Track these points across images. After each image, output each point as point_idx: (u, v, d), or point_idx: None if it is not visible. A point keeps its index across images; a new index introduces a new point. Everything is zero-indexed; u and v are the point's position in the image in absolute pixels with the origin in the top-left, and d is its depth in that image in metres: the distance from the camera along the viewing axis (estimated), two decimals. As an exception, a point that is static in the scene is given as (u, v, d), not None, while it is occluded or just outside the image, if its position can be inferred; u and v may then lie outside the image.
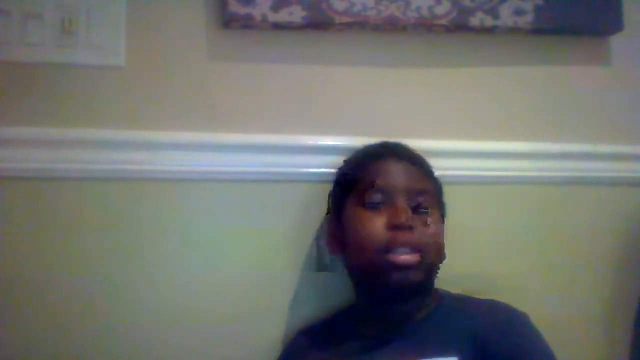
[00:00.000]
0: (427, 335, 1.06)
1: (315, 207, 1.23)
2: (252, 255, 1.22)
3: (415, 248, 1.05)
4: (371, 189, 1.10)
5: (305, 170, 1.23)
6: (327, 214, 1.21)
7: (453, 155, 1.29)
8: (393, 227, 1.06)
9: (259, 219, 1.23)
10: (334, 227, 1.16)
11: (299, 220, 1.24)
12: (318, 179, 1.22)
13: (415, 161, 1.14)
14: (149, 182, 1.20)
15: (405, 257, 1.04)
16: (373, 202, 1.09)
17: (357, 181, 1.13)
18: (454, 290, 1.16)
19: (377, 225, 1.07)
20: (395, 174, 1.10)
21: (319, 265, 1.24)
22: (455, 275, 1.19)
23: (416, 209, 1.09)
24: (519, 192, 1.32)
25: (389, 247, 1.05)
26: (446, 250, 1.12)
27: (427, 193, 1.11)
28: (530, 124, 1.34)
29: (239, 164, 1.22)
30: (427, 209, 1.10)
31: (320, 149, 1.24)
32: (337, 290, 1.22)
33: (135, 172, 1.19)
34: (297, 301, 1.23)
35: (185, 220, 1.21)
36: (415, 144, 1.19)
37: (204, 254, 1.21)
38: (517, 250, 1.31)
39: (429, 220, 1.09)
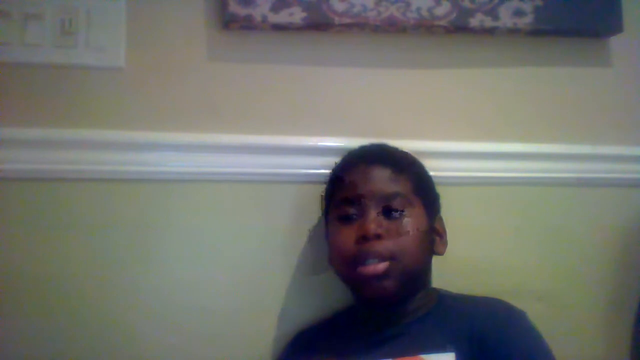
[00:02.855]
0: (424, 333, 1.07)
1: (317, 208, 1.22)
2: (255, 256, 1.23)
3: (384, 256, 1.05)
4: (343, 202, 1.11)
5: (306, 171, 1.23)
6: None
7: (453, 156, 1.29)
8: (361, 238, 1.06)
9: (261, 220, 1.23)
10: (326, 240, 1.17)
11: (302, 221, 1.23)
12: (319, 180, 1.21)
13: (386, 162, 1.12)
14: (149, 183, 1.20)
15: (373, 267, 1.05)
16: (347, 214, 1.10)
17: (332, 196, 1.14)
18: (454, 290, 1.16)
19: (348, 239, 1.08)
20: (364, 183, 1.10)
21: (314, 266, 1.23)
22: (455, 275, 1.20)
23: (389, 213, 1.08)
24: (519, 193, 1.32)
25: (357, 260, 1.06)
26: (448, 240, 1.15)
27: (399, 195, 1.09)
28: (530, 125, 1.34)
29: (239, 164, 1.22)
30: (404, 210, 1.08)
31: (321, 150, 1.23)
32: (337, 291, 1.21)
33: (135, 173, 1.19)
34: (298, 302, 1.23)
35: (185, 221, 1.21)
36: (415, 145, 1.19)
37: (204, 255, 1.21)
38: (517, 252, 1.31)
39: (405, 221, 1.08)
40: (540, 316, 1.07)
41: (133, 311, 1.18)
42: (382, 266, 1.05)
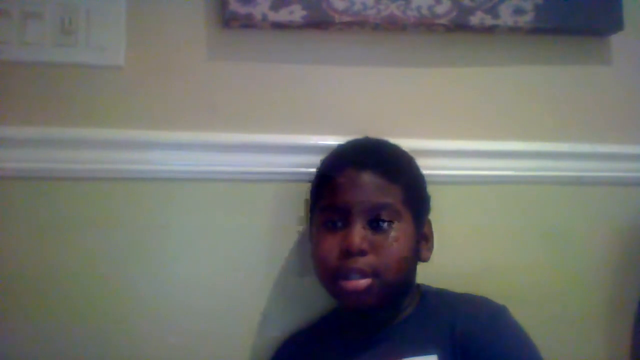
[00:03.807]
0: (408, 335, 1.06)
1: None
2: (255, 256, 1.23)
3: (367, 273, 1.03)
4: (328, 208, 1.08)
5: (305, 170, 1.22)
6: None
7: (452, 154, 1.29)
8: (345, 252, 1.03)
9: (263, 219, 1.23)
10: (310, 240, 1.16)
11: (302, 220, 1.23)
12: (318, 179, 1.22)
13: (378, 169, 1.07)
14: (149, 182, 1.20)
15: (354, 283, 1.03)
16: (331, 221, 1.07)
17: (318, 196, 1.12)
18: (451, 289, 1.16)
19: (331, 249, 1.05)
20: (353, 191, 1.05)
21: (302, 268, 1.23)
22: (454, 275, 1.20)
23: (376, 224, 1.05)
24: (519, 192, 1.32)
25: (339, 274, 1.04)
26: (435, 245, 1.13)
27: (389, 206, 1.05)
28: (529, 124, 1.34)
29: (239, 163, 1.22)
30: (393, 221, 1.05)
31: (321, 149, 1.22)
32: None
33: (135, 172, 1.19)
34: (297, 300, 1.24)
35: (186, 220, 1.21)
36: (414, 143, 1.19)
37: (205, 254, 1.22)
38: (517, 250, 1.31)
39: (391, 235, 1.05)
40: (541, 316, 1.07)
41: (133, 310, 1.18)
42: (363, 283, 1.03)
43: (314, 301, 1.21)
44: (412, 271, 1.11)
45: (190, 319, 1.20)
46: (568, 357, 1.07)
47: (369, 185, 1.06)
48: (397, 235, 1.05)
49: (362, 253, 1.03)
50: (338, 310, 1.18)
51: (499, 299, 1.08)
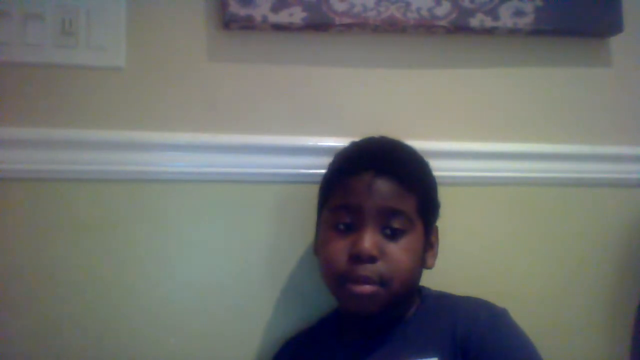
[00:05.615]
0: (408, 337, 1.05)
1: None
2: (255, 257, 1.23)
3: (374, 281, 1.02)
4: (340, 208, 1.06)
5: (305, 171, 1.23)
6: None
7: (453, 156, 1.29)
8: (355, 257, 1.02)
9: (263, 221, 1.23)
10: (316, 233, 1.15)
11: (305, 221, 1.22)
12: (319, 180, 1.21)
13: (394, 175, 1.05)
14: (149, 182, 1.20)
15: (361, 288, 1.01)
16: (342, 222, 1.05)
17: (330, 195, 1.10)
18: (452, 290, 1.15)
19: (340, 252, 1.04)
20: (367, 195, 1.03)
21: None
22: (455, 276, 1.20)
23: (388, 233, 1.03)
24: (519, 193, 1.32)
25: (346, 278, 1.03)
26: (439, 252, 1.12)
27: (403, 214, 1.04)
28: (530, 125, 1.34)
29: (239, 165, 1.22)
30: (405, 230, 1.04)
31: (321, 150, 1.22)
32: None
33: (135, 172, 1.19)
34: (296, 303, 1.24)
35: (184, 221, 1.21)
36: (415, 145, 1.18)
37: (203, 255, 1.21)
38: (517, 252, 1.31)
39: (401, 243, 1.03)
40: (541, 316, 1.07)
41: (133, 311, 1.18)
42: (368, 289, 1.01)
43: (316, 302, 1.22)
44: (418, 279, 1.11)
45: (190, 320, 1.20)
46: (568, 358, 1.07)
47: (384, 191, 1.04)
48: (408, 244, 1.04)
49: (372, 260, 1.02)
50: (338, 312, 1.17)
51: (499, 299, 1.07)
